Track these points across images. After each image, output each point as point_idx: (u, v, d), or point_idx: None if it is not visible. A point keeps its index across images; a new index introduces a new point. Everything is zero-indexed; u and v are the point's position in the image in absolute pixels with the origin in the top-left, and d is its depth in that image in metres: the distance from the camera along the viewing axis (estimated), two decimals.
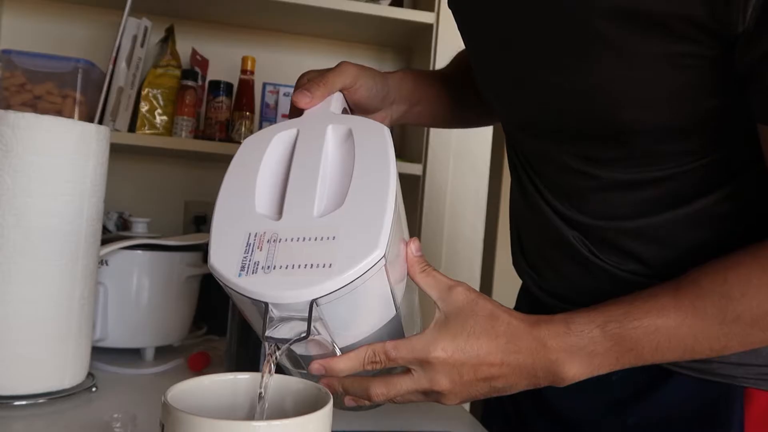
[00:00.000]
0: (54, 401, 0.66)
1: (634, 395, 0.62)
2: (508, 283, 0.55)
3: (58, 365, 0.67)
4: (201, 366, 0.83)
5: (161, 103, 1.33)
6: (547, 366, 0.50)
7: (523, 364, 0.50)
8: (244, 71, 1.40)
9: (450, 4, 0.69)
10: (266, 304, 0.43)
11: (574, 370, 0.50)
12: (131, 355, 0.85)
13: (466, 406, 1.40)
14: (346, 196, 0.47)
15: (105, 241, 0.79)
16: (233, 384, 0.46)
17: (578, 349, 0.50)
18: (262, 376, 0.44)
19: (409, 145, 1.57)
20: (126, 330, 0.84)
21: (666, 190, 0.56)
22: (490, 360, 0.49)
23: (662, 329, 0.49)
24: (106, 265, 0.82)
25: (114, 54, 1.24)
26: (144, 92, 1.31)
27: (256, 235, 0.46)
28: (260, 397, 0.43)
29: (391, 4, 1.40)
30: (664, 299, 0.50)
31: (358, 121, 0.54)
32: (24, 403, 0.64)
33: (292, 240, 0.45)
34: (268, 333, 0.43)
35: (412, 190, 1.46)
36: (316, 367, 0.49)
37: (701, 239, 0.56)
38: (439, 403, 0.52)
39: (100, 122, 1.24)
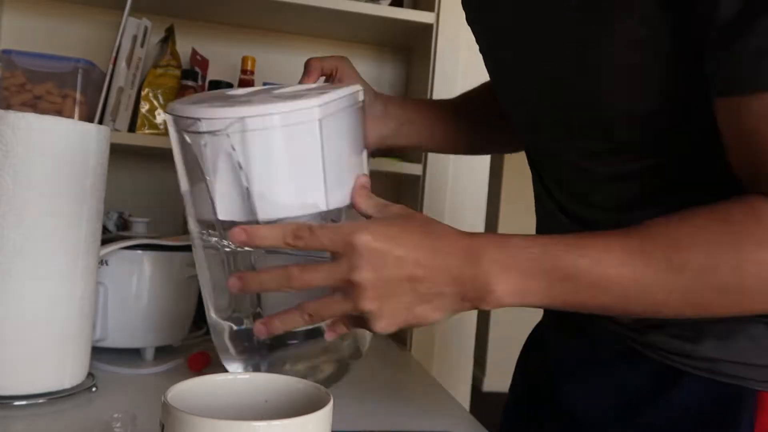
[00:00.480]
0: (54, 401, 0.66)
1: (644, 395, 0.61)
2: None
3: (58, 365, 0.67)
4: (201, 366, 0.83)
5: (161, 103, 1.33)
6: (475, 275, 0.46)
7: (450, 267, 0.46)
8: (244, 71, 1.40)
9: (467, 12, 0.70)
10: (198, 121, 0.48)
11: (503, 287, 0.46)
12: (131, 355, 0.85)
13: (466, 405, 1.40)
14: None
15: (105, 241, 0.79)
16: (233, 384, 0.46)
17: (513, 264, 0.46)
18: None
19: None
20: (126, 330, 0.84)
21: (652, 184, 0.56)
22: (416, 257, 0.46)
23: (604, 263, 0.46)
24: (106, 265, 0.82)
25: (114, 54, 1.24)
26: (144, 92, 1.31)
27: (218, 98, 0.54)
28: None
29: (391, 4, 1.40)
30: (612, 238, 0.47)
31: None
32: (24, 403, 0.64)
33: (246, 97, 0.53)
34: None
35: (412, 190, 1.46)
36: (237, 230, 0.47)
37: None
38: (361, 316, 0.48)
39: (100, 122, 1.24)
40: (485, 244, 0.47)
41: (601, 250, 0.46)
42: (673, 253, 0.45)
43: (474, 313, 1.38)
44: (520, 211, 3.07)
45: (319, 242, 0.46)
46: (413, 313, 0.47)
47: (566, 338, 0.69)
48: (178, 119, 0.51)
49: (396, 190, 1.64)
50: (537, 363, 0.76)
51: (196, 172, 0.50)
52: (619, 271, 0.46)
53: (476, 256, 0.46)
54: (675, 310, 0.47)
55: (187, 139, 0.50)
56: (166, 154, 1.47)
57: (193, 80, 1.36)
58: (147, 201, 1.47)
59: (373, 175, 1.75)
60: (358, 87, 0.58)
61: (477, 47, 0.70)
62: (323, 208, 0.51)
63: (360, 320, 0.49)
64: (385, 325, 0.47)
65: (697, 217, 0.47)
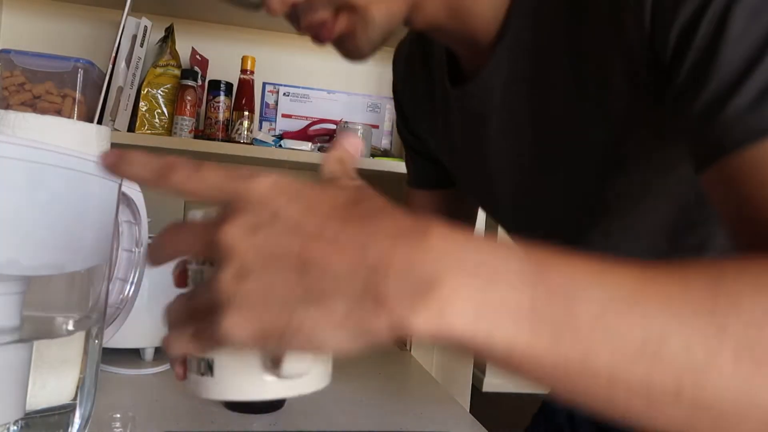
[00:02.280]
0: None
1: None
2: None
3: None
4: None
5: (161, 102, 1.33)
6: (413, 256, 0.27)
7: (368, 246, 0.27)
8: (244, 71, 1.40)
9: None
10: None
11: (455, 285, 0.27)
12: (131, 355, 0.85)
13: (466, 405, 1.39)
14: None
15: None
16: None
17: (473, 255, 0.28)
18: None
19: None
20: (126, 330, 0.84)
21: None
22: (321, 227, 0.28)
23: (623, 285, 0.28)
24: None
25: (114, 53, 1.24)
26: (144, 92, 1.31)
27: None
28: None
29: None
30: (631, 263, 0.30)
31: None
32: None
33: None
34: None
35: None
36: (110, 152, 0.35)
37: None
38: (211, 310, 0.30)
39: (100, 122, 1.24)
40: (438, 227, 0.28)
41: (617, 265, 0.29)
42: (718, 281, 0.29)
43: None
44: None
45: (203, 183, 0.31)
46: (290, 317, 0.28)
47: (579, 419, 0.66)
48: None
49: (396, 189, 1.64)
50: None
51: None
52: (642, 294, 0.28)
53: (421, 233, 0.28)
54: (729, 366, 0.27)
55: None
56: (165, 154, 1.47)
57: (192, 80, 1.36)
58: (147, 201, 1.47)
59: (373, 175, 1.75)
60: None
61: None
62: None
63: (209, 323, 0.31)
64: (238, 321, 0.28)
65: (738, 259, 0.32)
